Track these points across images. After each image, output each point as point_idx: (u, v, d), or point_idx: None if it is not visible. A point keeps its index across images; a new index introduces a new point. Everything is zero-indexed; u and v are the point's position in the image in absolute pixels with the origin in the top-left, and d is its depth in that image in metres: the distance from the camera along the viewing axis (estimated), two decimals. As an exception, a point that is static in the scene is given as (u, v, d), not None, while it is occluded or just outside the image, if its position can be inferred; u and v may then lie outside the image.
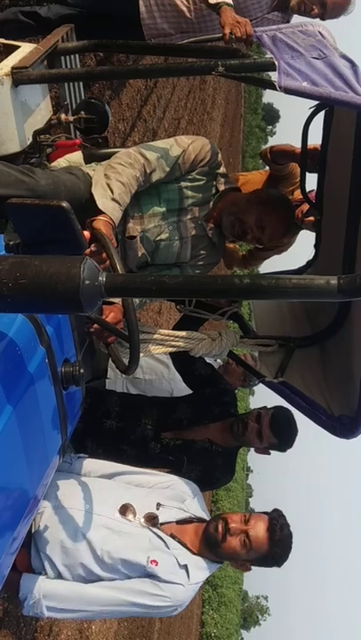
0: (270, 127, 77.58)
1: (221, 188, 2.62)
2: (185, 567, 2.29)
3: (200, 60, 2.39)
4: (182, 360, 2.92)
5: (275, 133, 77.92)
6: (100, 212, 2.21)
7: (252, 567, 2.49)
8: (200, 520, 2.46)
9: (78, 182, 2.35)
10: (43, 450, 1.79)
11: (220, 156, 2.61)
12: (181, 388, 3.13)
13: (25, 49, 2.53)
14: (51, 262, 1.24)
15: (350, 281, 1.21)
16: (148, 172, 2.41)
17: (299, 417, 2.71)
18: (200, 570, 2.35)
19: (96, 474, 2.56)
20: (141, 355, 1.91)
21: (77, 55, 2.96)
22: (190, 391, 3.01)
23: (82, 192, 2.32)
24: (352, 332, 2.42)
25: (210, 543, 2.38)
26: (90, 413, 2.71)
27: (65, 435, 1.95)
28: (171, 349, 2.43)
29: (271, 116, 78.01)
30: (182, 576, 2.28)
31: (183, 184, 2.55)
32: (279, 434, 2.74)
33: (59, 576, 2.26)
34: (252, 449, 2.91)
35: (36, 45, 2.58)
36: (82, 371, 1.82)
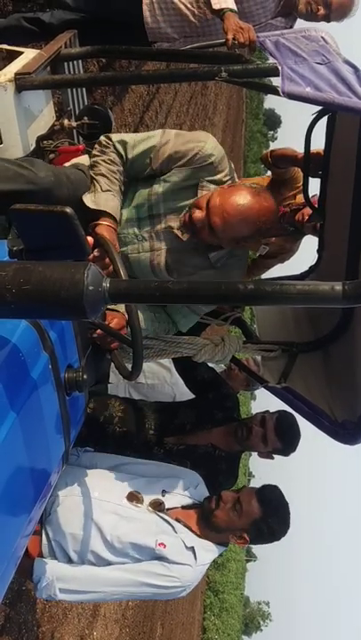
0: (272, 132, 77.70)
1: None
2: (192, 549, 2.38)
3: (203, 65, 2.38)
4: (185, 364, 2.93)
5: (276, 139, 78.02)
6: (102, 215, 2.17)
7: (252, 545, 2.61)
8: (202, 506, 2.54)
9: (84, 176, 2.31)
10: (46, 456, 1.79)
11: (217, 160, 2.23)
12: (184, 393, 3.13)
13: (28, 55, 2.53)
14: (54, 268, 1.24)
15: (355, 287, 1.21)
16: (122, 152, 2.22)
17: (299, 421, 2.72)
18: (206, 551, 2.44)
19: (102, 466, 2.62)
20: (145, 360, 1.91)
21: (80, 61, 2.96)
22: (193, 395, 3.01)
23: (87, 186, 2.27)
24: (355, 338, 2.42)
25: (205, 516, 2.47)
26: (92, 418, 2.71)
27: (68, 440, 1.95)
28: (173, 355, 2.43)
29: (273, 121, 78.17)
30: (190, 557, 2.37)
31: (156, 187, 2.26)
32: (284, 438, 2.74)
33: (69, 562, 2.35)
34: (254, 453, 2.91)
35: (39, 51, 2.58)
36: (85, 376, 1.82)
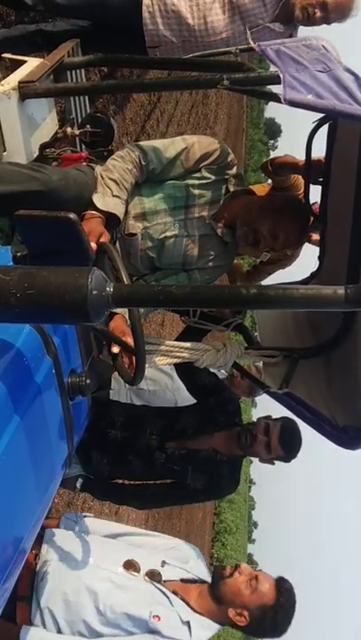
0: (272, 141, 77.98)
1: (232, 188, 2.58)
2: (187, 624, 2.25)
3: (205, 73, 2.40)
4: (186, 369, 2.93)
5: (277, 147, 78.26)
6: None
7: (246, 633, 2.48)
8: (203, 582, 2.45)
9: (86, 178, 2.38)
10: (49, 460, 1.79)
11: (231, 156, 2.57)
12: (185, 398, 3.14)
13: (31, 64, 2.56)
14: (58, 273, 1.25)
15: (358, 290, 1.22)
16: (144, 163, 2.41)
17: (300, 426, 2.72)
18: (203, 629, 2.30)
19: (101, 533, 2.58)
20: (146, 366, 1.92)
21: (83, 70, 2.99)
22: (194, 401, 3.01)
23: (89, 187, 2.34)
24: (356, 343, 2.42)
25: (214, 581, 2.38)
26: (94, 424, 2.72)
27: (71, 445, 1.95)
28: (175, 360, 2.43)
29: (273, 130, 78.48)
30: (184, 633, 2.23)
31: (190, 182, 2.51)
32: (287, 447, 2.74)
33: (58, 631, 2.23)
34: (255, 459, 2.92)
35: (42, 60, 2.61)
36: (88, 381, 1.83)
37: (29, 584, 2.29)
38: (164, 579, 2.37)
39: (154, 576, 2.35)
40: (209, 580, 2.47)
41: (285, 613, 2.35)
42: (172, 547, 2.57)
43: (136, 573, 2.34)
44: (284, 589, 2.36)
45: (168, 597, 2.29)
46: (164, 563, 2.42)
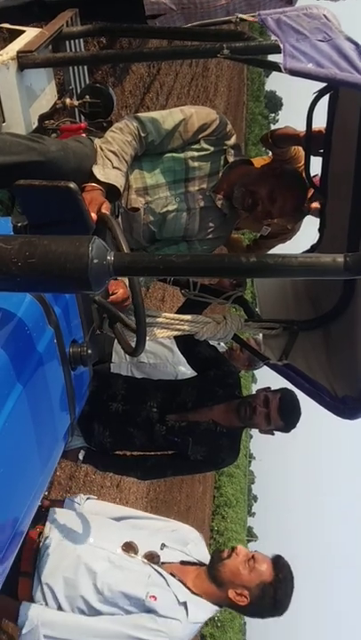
0: (273, 115, 77.14)
1: (231, 159, 2.58)
2: (184, 604, 2.29)
3: (205, 43, 2.38)
4: (186, 342, 2.95)
5: (277, 121, 77.42)
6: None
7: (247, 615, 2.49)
8: (202, 564, 2.49)
9: (86, 150, 2.37)
10: (52, 428, 1.82)
11: (229, 126, 2.57)
12: (185, 372, 3.16)
13: (30, 33, 2.53)
14: (59, 242, 1.26)
15: (357, 258, 1.23)
16: (143, 135, 2.41)
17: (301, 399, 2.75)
18: (199, 609, 2.34)
19: (104, 515, 2.62)
20: (147, 338, 1.93)
21: (82, 41, 2.95)
22: (194, 374, 3.04)
23: (89, 159, 2.34)
24: (355, 315, 2.44)
25: (213, 563, 2.42)
26: (96, 396, 2.74)
27: (73, 414, 1.98)
28: (176, 333, 2.44)
29: (274, 103, 77.64)
30: (181, 612, 2.27)
31: (189, 154, 2.52)
32: (286, 417, 2.77)
33: (59, 608, 2.29)
34: (255, 434, 2.94)
35: (40, 30, 2.57)
36: (90, 351, 1.84)
37: (32, 560, 2.35)
38: (162, 561, 2.41)
39: (152, 558, 2.40)
40: (207, 562, 2.51)
41: (285, 589, 2.39)
42: (173, 530, 2.61)
43: (134, 555, 2.39)
44: (281, 566, 2.41)
45: (165, 579, 2.33)
46: (163, 545, 2.47)
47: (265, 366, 2.66)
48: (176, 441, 2.79)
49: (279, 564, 2.41)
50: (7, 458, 1.50)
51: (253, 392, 2.94)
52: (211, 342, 2.99)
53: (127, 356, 3.29)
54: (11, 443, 1.52)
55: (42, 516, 2.45)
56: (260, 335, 2.73)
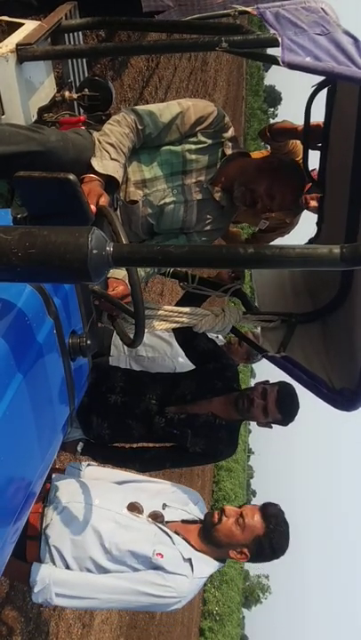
0: (272, 109, 76.99)
1: (228, 152, 2.58)
2: (189, 561, 2.39)
3: (204, 36, 2.39)
4: (185, 335, 2.96)
5: (276, 115, 77.16)
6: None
7: (252, 563, 2.60)
8: (202, 522, 2.56)
9: (85, 142, 2.38)
10: (51, 418, 1.83)
11: (226, 119, 2.57)
12: (184, 365, 3.17)
13: (29, 26, 2.53)
14: (59, 232, 1.27)
15: (353, 249, 1.24)
16: (140, 127, 2.42)
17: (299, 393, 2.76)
18: (204, 564, 2.45)
19: (106, 480, 2.68)
20: (146, 330, 1.94)
21: (80, 35, 2.96)
22: (193, 368, 3.05)
23: (88, 151, 2.35)
24: (353, 308, 2.45)
25: (207, 530, 2.49)
26: (95, 389, 2.75)
27: (72, 405, 1.99)
28: (174, 325, 2.46)
29: (273, 98, 77.49)
30: (186, 569, 2.38)
31: (187, 146, 2.52)
32: (284, 410, 2.79)
33: (67, 568, 2.36)
34: (254, 428, 2.97)
35: (39, 23, 2.58)
36: (89, 342, 1.85)
37: (38, 524, 2.42)
38: (165, 519, 2.50)
39: (156, 517, 2.49)
40: None
41: (279, 536, 2.48)
42: (173, 491, 2.69)
43: (140, 515, 2.48)
44: (270, 515, 2.48)
45: (170, 537, 2.42)
46: (165, 505, 2.55)
47: (263, 360, 2.68)
48: (175, 433, 2.81)
49: (268, 513, 2.49)
50: (7, 447, 1.52)
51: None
52: (209, 335, 3.00)
53: (126, 349, 3.31)
54: (10, 432, 1.53)
55: (46, 480, 2.48)
56: (259, 328, 2.75)
